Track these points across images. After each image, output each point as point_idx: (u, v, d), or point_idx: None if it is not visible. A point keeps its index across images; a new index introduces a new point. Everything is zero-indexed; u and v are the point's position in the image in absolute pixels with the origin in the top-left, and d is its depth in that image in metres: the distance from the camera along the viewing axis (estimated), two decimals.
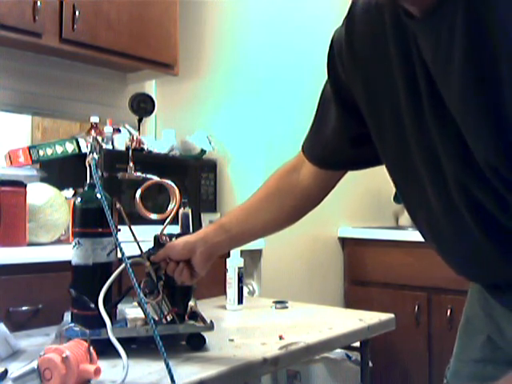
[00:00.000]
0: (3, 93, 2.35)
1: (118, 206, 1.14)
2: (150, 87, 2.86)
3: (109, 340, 1.03)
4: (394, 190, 2.97)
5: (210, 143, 2.53)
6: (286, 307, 1.75)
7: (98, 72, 2.61)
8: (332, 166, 1.05)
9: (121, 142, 2.27)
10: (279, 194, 1.11)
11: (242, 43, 2.60)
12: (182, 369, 1.05)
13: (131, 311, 1.24)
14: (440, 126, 0.75)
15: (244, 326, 1.42)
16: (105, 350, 1.02)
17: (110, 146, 2.25)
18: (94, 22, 2.21)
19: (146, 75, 2.69)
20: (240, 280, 1.75)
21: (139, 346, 1.18)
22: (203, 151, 2.52)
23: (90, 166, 1.14)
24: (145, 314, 1.08)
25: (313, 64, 2.71)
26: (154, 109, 1.22)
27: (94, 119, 2.35)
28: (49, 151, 2.11)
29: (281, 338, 1.32)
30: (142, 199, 1.21)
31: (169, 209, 1.25)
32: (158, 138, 2.75)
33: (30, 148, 2.12)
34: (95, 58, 2.33)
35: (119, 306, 1.22)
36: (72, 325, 1.13)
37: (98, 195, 1.11)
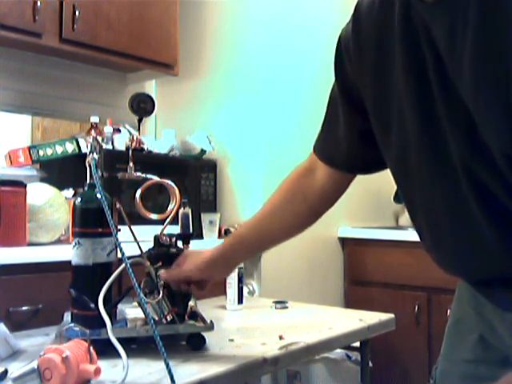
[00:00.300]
0: (3, 93, 2.35)
1: (117, 205, 1.14)
2: (150, 87, 2.86)
3: (109, 340, 1.03)
4: (394, 190, 2.98)
5: (210, 143, 2.53)
6: (286, 307, 1.74)
7: (97, 72, 2.61)
8: (345, 167, 1.05)
9: (121, 142, 2.27)
10: (294, 198, 1.10)
11: (242, 43, 2.60)
12: (182, 369, 1.05)
13: (131, 311, 1.24)
14: (450, 114, 0.75)
15: (244, 326, 1.42)
16: (105, 349, 1.02)
17: (110, 146, 2.25)
18: (94, 22, 2.21)
19: (146, 75, 2.70)
20: (240, 280, 1.75)
21: (139, 346, 1.18)
22: (203, 151, 2.52)
23: (89, 166, 1.14)
24: (145, 314, 1.08)
25: (313, 64, 2.71)
26: (153, 109, 1.22)
27: (94, 119, 2.35)
28: (49, 151, 2.11)
29: (281, 337, 1.32)
30: (142, 199, 1.21)
31: (169, 209, 1.25)
32: (158, 138, 2.75)
33: (30, 148, 2.12)
34: (95, 58, 2.33)
35: (119, 306, 1.22)
36: (72, 325, 1.13)
37: (98, 195, 1.11)
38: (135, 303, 1.23)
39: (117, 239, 1.07)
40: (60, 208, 1.95)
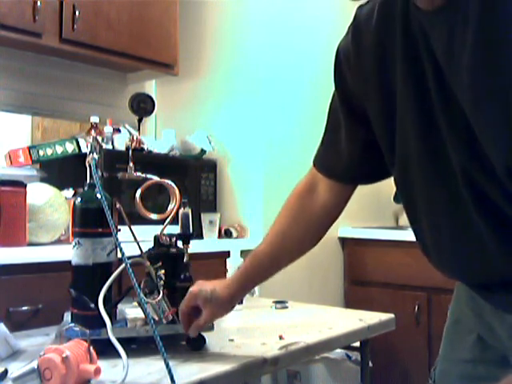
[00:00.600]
0: (3, 93, 2.35)
1: (117, 205, 1.14)
2: (150, 87, 2.86)
3: (109, 340, 1.03)
4: (393, 190, 2.97)
5: (210, 143, 2.53)
6: (286, 307, 1.74)
7: (97, 72, 2.61)
8: (347, 179, 1.04)
9: (121, 142, 2.27)
10: (300, 220, 1.10)
11: (242, 43, 2.60)
12: (181, 369, 1.05)
13: (131, 311, 1.24)
14: (449, 122, 0.75)
15: (244, 326, 1.42)
16: (105, 349, 1.02)
17: (109, 146, 2.25)
18: (94, 22, 2.21)
19: (146, 75, 2.69)
20: None
21: (139, 346, 1.18)
22: (203, 151, 2.52)
23: (90, 165, 1.14)
24: (145, 314, 1.08)
25: (313, 64, 2.71)
26: (153, 109, 1.22)
27: (94, 119, 2.35)
28: (49, 151, 2.11)
29: (281, 337, 1.32)
30: (142, 199, 1.21)
31: (169, 209, 1.25)
32: (158, 138, 2.75)
33: (30, 148, 2.12)
34: (95, 58, 2.33)
35: (119, 306, 1.22)
36: (72, 325, 1.13)
37: (98, 195, 1.11)
38: (135, 303, 1.23)
39: (117, 239, 1.07)
40: (60, 208, 1.95)
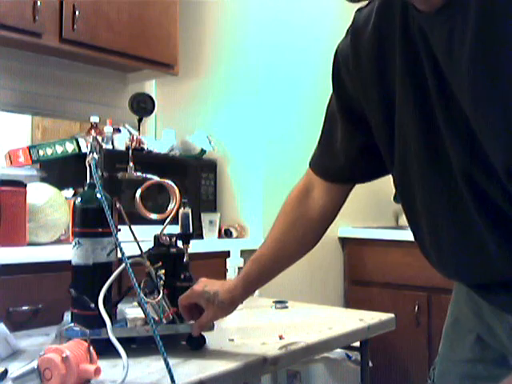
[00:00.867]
0: (3, 93, 2.35)
1: (118, 205, 1.14)
2: (150, 87, 2.86)
3: (109, 340, 1.03)
4: (394, 189, 2.98)
5: (210, 143, 2.53)
6: (286, 307, 1.74)
7: (97, 72, 2.61)
8: (343, 179, 1.05)
9: (121, 142, 2.27)
10: (298, 224, 1.11)
11: (242, 43, 2.60)
12: (181, 369, 1.05)
13: (131, 311, 1.23)
14: (449, 123, 0.75)
15: (244, 326, 1.42)
16: (105, 349, 1.02)
17: (109, 146, 2.25)
18: (94, 22, 2.21)
19: (146, 75, 2.70)
20: None
21: (139, 346, 1.18)
22: (203, 151, 2.53)
23: (90, 165, 1.14)
24: (145, 313, 1.08)
25: (312, 64, 2.71)
26: (153, 109, 1.22)
27: (94, 119, 2.35)
28: (49, 151, 2.11)
29: (281, 338, 1.32)
30: (142, 199, 1.21)
31: (169, 209, 1.25)
32: (158, 138, 2.75)
33: (29, 148, 2.12)
34: (95, 58, 2.33)
35: (119, 306, 1.22)
36: (72, 325, 1.13)
37: (98, 195, 1.11)
38: (135, 303, 1.23)
39: (117, 239, 1.07)
40: (60, 208, 1.95)
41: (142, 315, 1.19)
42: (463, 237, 0.81)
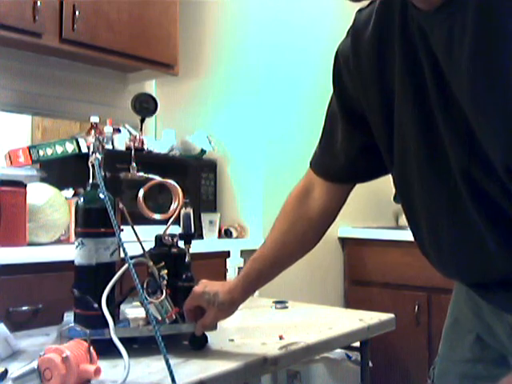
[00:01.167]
0: (3, 93, 2.35)
1: (120, 206, 1.14)
2: (150, 87, 2.87)
3: (111, 340, 1.02)
4: (393, 190, 2.97)
5: (210, 143, 2.53)
6: (286, 307, 1.74)
7: (98, 72, 2.61)
8: (343, 179, 1.05)
9: (121, 142, 2.27)
10: (298, 224, 1.11)
11: (242, 43, 2.60)
12: (182, 369, 1.05)
13: (131, 311, 1.24)
14: (448, 121, 0.75)
15: (244, 326, 1.42)
16: (107, 350, 1.02)
17: (109, 146, 2.25)
18: (94, 22, 2.21)
19: (146, 75, 2.70)
20: None
21: (140, 346, 1.18)
22: (203, 151, 2.53)
23: (92, 165, 1.14)
24: (147, 313, 1.08)
25: (312, 64, 2.71)
26: (156, 109, 1.22)
27: (94, 119, 2.35)
28: (49, 151, 2.11)
29: (281, 338, 1.32)
30: (145, 199, 1.21)
31: (171, 209, 1.25)
32: (158, 138, 2.75)
33: (30, 148, 2.12)
34: (95, 58, 2.33)
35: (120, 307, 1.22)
36: (72, 325, 1.13)
37: (101, 195, 1.11)
38: (136, 303, 1.23)
39: (120, 239, 1.07)
40: (60, 208, 1.95)
41: (143, 315, 1.19)
42: (463, 236, 0.81)
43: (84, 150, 2.11)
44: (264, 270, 1.14)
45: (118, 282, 1.15)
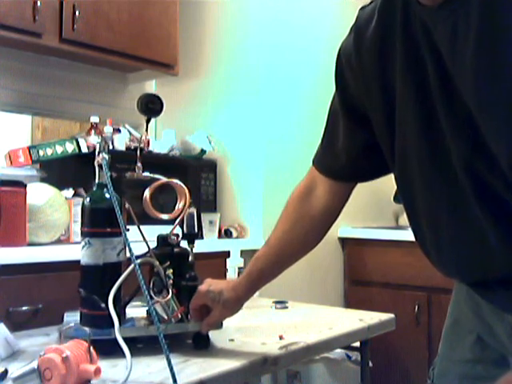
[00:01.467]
0: (3, 93, 2.35)
1: (126, 205, 1.15)
2: (150, 87, 2.86)
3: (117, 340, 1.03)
4: (394, 190, 2.97)
5: (210, 143, 2.53)
6: (286, 307, 1.74)
7: (98, 72, 2.61)
8: (345, 177, 1.06)
9: (121, 142, 2.27)
10: (302, 220, 1.11)
11: (242, 43, 2.60)
12: (182, 369, 1.05)
13: (132, 311, 1.24)
14: (450, 118, 0.75)
15: (244, 326, 1.42)
16: (114, 349, 1.02)
17: (110, 146, 2.24)
18: (94, 22, 2.21)
19: (146, 75, 2.69)
20: None
21: (143, 346, 1.18)
22: (203, 151, 2.52)
23: (99, 165, 1.15)
24: (152, 313, 1.07)
25: (312, 64, 2.71)
26: (162, 109, 1.22)
27: (94, 119, 2.35)
28: (49, 151, 2.11)
29: (281, 338, 1.32)
30: (151, 199, 1.21)
31: (176, 208, 1.25)
32: (158, 138, 2.75)
33: (30, 148, 2.12)
34: (95, 58, 2.33)
35: None
36: (72, 324, 1.14)
37: (107, 195, 1.13)
38: (138, 303, 1.23)
39: (127, 239, 1.07)
40: (60, 208, 1.95)
41: (144, 315, 1.20)
42: (463, 233, 0.81)
43: (84, 149, 2.11)
44: (266, 268, 1.15)
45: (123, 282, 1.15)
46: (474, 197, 0.76)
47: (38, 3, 2.02)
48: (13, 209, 1.81)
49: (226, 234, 2.47)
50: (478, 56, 0.67)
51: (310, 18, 2.74)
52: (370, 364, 1.80)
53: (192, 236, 1.26)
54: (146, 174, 1.22)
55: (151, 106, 1.22)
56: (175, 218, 1.24)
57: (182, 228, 1.26)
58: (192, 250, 1.26)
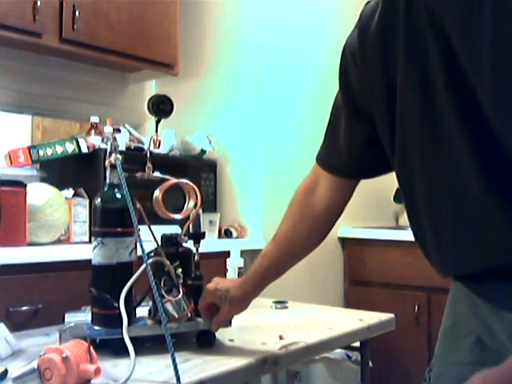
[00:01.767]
0: (3, 93, 2.35)
1: (138, 205, 1.15)
2: (150, 87, 2.86)
3: (132, 339, 1.04)
4: (394, 190, 2.97)
5: (210, 143, 2.53)
6: (286, 307, 1.74)
7: (97, 72, 2.61)
8: (347, 174, 1.06)
9: (121, 142, 2.27)
10: (306, 216, 1.12)
11: (242, 43, 2.60)
12: (182, 369, 1.05)
13: (138, 310, 1.24)
14: (455, 101, 0.74)
15: (244, 326, 1.42)
16: (124, 349, 1.03)
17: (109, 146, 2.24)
18: (93, 22, 2.21)
19: (146, 75, 2.69)
20: None
21: (149, 345, 1.18)
22: (203, 151, 2.52)
23: (111, 166, 1.16)
24: (160, 312, 1.08)
25: (312, 64, 2.71)
26: (172, 110, 1.23)
27: (94, 119, 2.35)
28: (49, 151, 2.11)
29: (281, 337, 1.32)
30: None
31: (185, 208, 1.26)
32: (158, 137, 2.74)
33: (29, 148, 2.12)
34: (95, 58, 2.33)
35: None
36: (72, 324, 1.14)
37: (118, 195, 1.14)
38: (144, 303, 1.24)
39: (140, 239, 1.08)
40: (60, 208, 1.95)
41: (146, 314, 1.21)
42: (466, 228, 0.80)
43: (84, 149, 2.11)
44: (271, 266, 1.17)
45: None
46: (478, 194, 0.76)
47: (38, 3, 2.02)
48: (13, 209, 1.82)
49: (226, 234, 2.47)
50: (494, 34, 0.65)
51: (309, 17, 2.74)
52: (370, 364, 1.80)
53: (198, 236, 1.28)
54: (157, 174, 1.24)
55: (162, 107, 1.23)
56: (182, 218, 1.25)
57: (187, 228, 1.27)
58: (198, 249, 1.27)
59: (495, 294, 0.83)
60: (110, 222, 1.16)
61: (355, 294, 2.84)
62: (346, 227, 2.83)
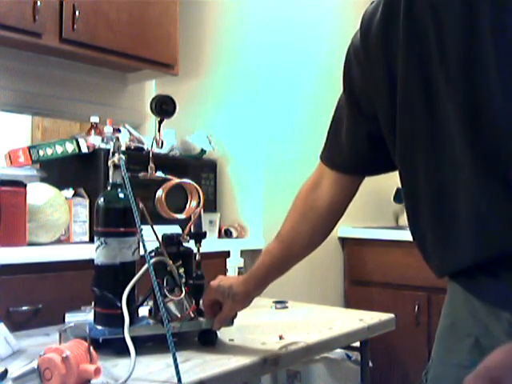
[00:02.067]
0: (3, 93, 2.35)
1: (141, 205, 1.16)
2: (150, 87, 2.86)
3: (133, 338, 1.04)
4: (394, 190, 2.97)
5: (210, 143, 2.53)
6: (286, 307, 1.75)
7: (97, 72, 2.61)
8: (350, 170, 1.06)
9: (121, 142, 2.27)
10: (310, 214, 1.12)
11: (242, 43, 2.60)
12: (182, 369, 1.05)
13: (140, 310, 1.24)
14: (456, 98, 0.75)
15: (244, 326, 1.42)
16: (126, 348, 1.03)
17: (109, 146, 2.24)
18: (93, 22, 2.21)
19: (146, 75, 2.69)
20: None
21: (141, 345, 1.18)
22: (203, 151, 2.52)
23: (114, 166, 1.16)
24: (162, 311, 1.08)
25: (312, 64, 2.71)
26: (175, 110, 1.24)
27: (94, 119, 2.35)
28: (49, 151, 2.11)
29: (281, 337, 1.32)
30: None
31: (188, 208, 1.27)
32: (161, 138, 2.74)
33: (29, 148, 2.12)
34: (95, 58, 2.33)
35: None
36: (72, 324, 1.14)
37: (121, 195, 1.14)
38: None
39: (143, 239, 1.08)
40: (60, 208, 1.95)
41: (146, 313, 1.21)
42: (468, 219, 0.80)
43: (84, 149, 2.11)
44: (274, 263, 1.17)
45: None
46: (475, 175, 0.76)
47: (38, 3, 2.02)
48: (13, 209, 1.82)
49: (226, 233, 2.47)
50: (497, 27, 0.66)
51: (310, 18, 2.74)
52: (370, 364, 1.80)
53: (199, 235, 1.28)
54: (159, 174, 1.24)
55: (165, 107, 1.24)
56: (184, 218, 1.26)
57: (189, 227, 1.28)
58: (199, 249, 1.27)
59: (491, 292, 0.83)
60: (113, 221, 1.16)
61: (355, 293, 2.84)
62: (346, 227, 2.83)
